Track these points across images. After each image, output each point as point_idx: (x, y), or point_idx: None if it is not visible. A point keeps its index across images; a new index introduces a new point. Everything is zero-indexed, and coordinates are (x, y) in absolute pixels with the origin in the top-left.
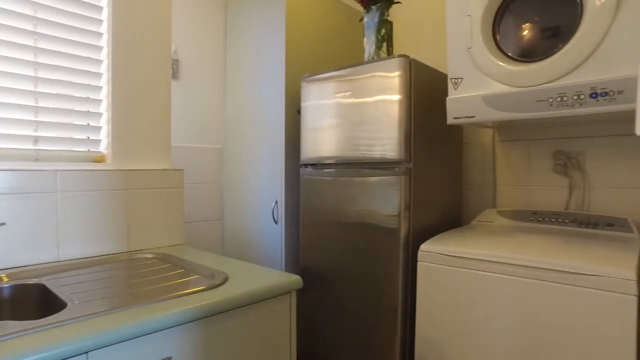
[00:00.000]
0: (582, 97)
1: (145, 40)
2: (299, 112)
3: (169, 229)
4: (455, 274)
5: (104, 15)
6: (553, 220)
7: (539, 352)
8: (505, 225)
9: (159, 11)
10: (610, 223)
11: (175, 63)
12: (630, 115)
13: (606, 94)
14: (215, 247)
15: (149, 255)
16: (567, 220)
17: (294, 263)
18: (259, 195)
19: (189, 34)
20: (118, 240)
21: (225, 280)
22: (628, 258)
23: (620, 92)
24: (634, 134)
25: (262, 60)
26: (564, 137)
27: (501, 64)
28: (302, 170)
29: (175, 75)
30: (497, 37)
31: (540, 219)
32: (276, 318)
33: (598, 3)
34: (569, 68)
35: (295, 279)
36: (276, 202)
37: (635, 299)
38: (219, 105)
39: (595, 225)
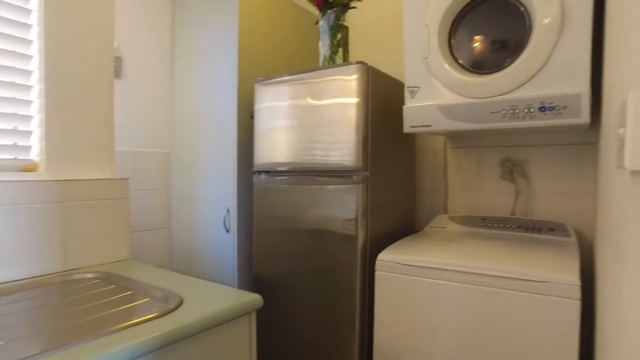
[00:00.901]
0: (532, 110)
1: (83, 34)
2: (251, 116)
3: (112, 244)
4: (410, 282)
5: (33, 4)
6: (501, 225)
7: (490, 358)
8: (457, 231)
9: (99, 3)
10: (551, 228)
11: (117, 60)
12: (571, 128)
13: (553, 108)
14: (163, 258)
15: (90, 275)
16: (513, 226)
17: (247, 273)
18: (210, 203)
19: (133, 29)
20: (53, 258)
21: (180, 303)
22: (571, 263)
23: (564, 108)
24: (571, 144)
25: (213, 60)
26: (510, 145)
27: (457, 74)
28: (256, 177)
29: (118, 73)
30: (453, 48)
31: (490, 224)
32: (236, 341)
33: (545, 21)
34: (520, 82)
35: (254, 299)
36: (228, 210)
37: (579, 303)
38: (165, 106)
39: (538, 230)
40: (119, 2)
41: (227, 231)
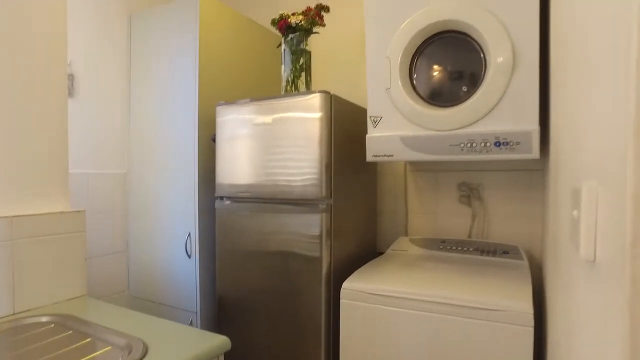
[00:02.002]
0: (488, 144)
1: (32, 50)
2: (213, 139)
3: (67, 280)
4: (375, 310)
5: None
6: (459, 248)
7: None
8: (417, 254)
9: (51, 18)
10: (505, 251)
11: (70, 78)
12: (522, 161)
13: (507, 143)
14: (119, 283)
15: (44, 319)
16: (470, 249)
17: (210, 298)
18: (171, 227)
19: (86, 46)
20: (0, 302)
21: (145, 352)
22: (524, 290)
23: (517, 143)
24: (521, 169)
25: (173, 80)
26: (466, 170)
27: (418, 106)
28: (218, 203)
29: (70, 92)
30: (414, 80)
31: (448, 247)
32: None
33: (498, 60)
34: (477, 117)
35: (222, 342)
36: (189, 234)
37: (532, 330)
38: (121, 125)
39: (493, 253)
40: (72, 18)
41: (189, 256)
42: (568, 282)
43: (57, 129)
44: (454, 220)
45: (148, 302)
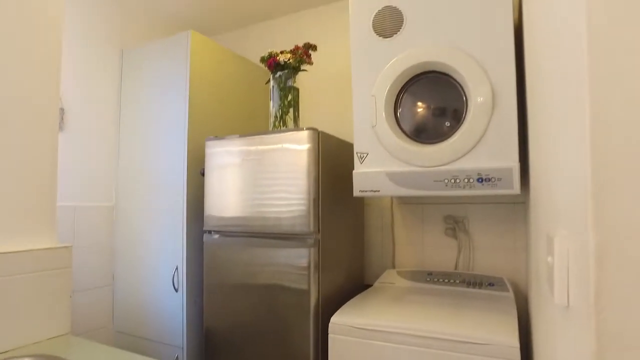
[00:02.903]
0: (471, 180)
1: (24, 84)
2: (202, 173)
3: (50, 319)
4: (363, 345)
5: None
6: (445, 280)
7: None
8: (405, 287)
9: (45, 53)
10: (491, 282)
11: (61, 112)
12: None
13: (489, 179)
14: (104, 318)
15: None
16: (457, 281)
17: (197, 332)
18: (158, 260)
19: (77, 79)
20: None
21: None
22: (510, 323)
23: (499, 179)
24: (504, 202)
25: (163, 114)
26: (452, 203)
27: (403, 143)
28: (207, 237)
29: (60, 125)
30: (399, 118)
31: (435, 279)
32: None
33: (479, 100)
34: (460, 154)
35: None
36: (177, 268)
37: None
38: (110, 158)
39: (480, 285)
40: (64, 52)
41: (176, 290)
42: (548, 322)
43: (46, 165)
44: (441, 252)
45: (133, 337)
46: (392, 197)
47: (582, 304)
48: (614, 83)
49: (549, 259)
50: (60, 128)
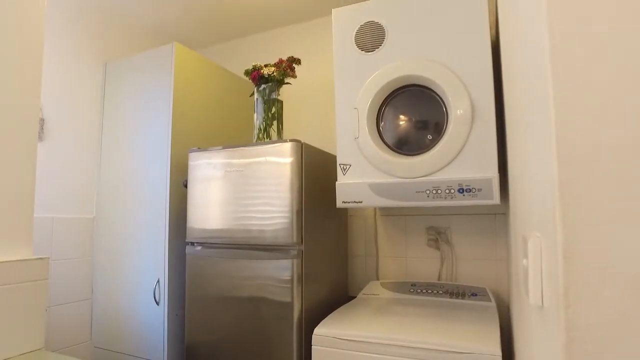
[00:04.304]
0: (452, 191)
1: (3, 93)
2: (185, 185)
3: (22, 333)
4: (346, 356)
5: None
6: (429, 291)
7: None
8: (388, 298)
9: (25, 62)
10: (473, 293)
11: (40, 122)
12: (486, 205)
13: (470, 190)
14: (82, 333)
15: None
16: (440, 292)
17: (178, 346)
18: (139, 273)
19: (59, 90)
20: None
21: None
22: (492, 332)
23: (479, 190)
24: (485, 213)
25: (145, 125)
26: (434, 214)
27: (385, 155)
28: (189, 249)
29: (40, 136)
30: (381, 130)
31: (419, 290)
32: None
33: (459, 112)
34: (441, 165)
35: None
36: (158, 281)
37: None
38: (91, 170)
39: (462, 296)
40: (46, 62)
41: (157, 303)
42: (527, 325)
43: (24, 174)
44: (424, 263)
45: (112, 352)
46: (375, 209)
47: (553, 301)
48: (575, 95)
49: (524, 261)
50: (41, 138)
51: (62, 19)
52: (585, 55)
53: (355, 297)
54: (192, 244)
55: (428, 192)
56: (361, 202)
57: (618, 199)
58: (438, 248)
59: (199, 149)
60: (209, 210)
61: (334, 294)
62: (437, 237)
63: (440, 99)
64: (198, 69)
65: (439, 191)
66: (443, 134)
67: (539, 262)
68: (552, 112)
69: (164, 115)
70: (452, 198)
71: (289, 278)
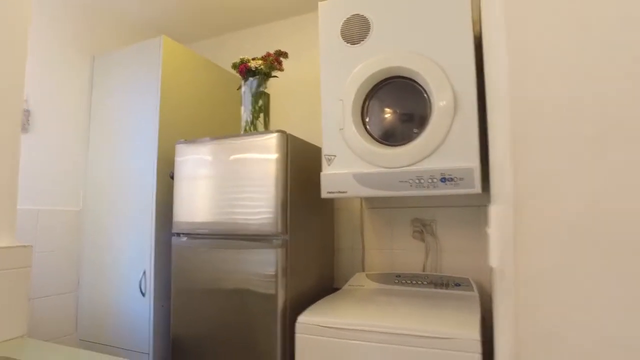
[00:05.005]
0: (434, 180)
1: None
2: (171, 176)
3: (5, 319)
4: (329, 344)
5: None
6: (414, 282)
7: None
8: (373, 289)
9: (8, 53)
10: (457, 283)
11: (26, 113)
12: (470, 197)
13: (452, 179)
14: (67, 325)
15: None
16: (424, 282)
17: (164, 337)
18: (125, 265)
19: (45, 83)
20: None
21: None
22: (472, 319)
23: (461, 179)
24: (469, 205)
25: (133, 118)
26: (419, 206)
27: (369, 146)
28: (175, 239)
29: (25, 127)
30: (366, 121)
31: (403, 281)
32: None
33: (441, 104)
34: (424, 155)
35: None
36: (144, 272)
37: (479, 356)
38: (78, 162)
39: (446, 286)
40: (32, 54)
41: (143, 294)
42: (497, 299)
43: (6, 164)
44: (409, 255)
45: (97, 344)
46: (361, 202)
47: (508, 263)
48: (526, 89)
49: (487, 229)
50: (25, 130)
51: (49, 13)
52: (537, 55)
53: (340, 288)
54: (178, 234)
55: (411, 181)
56: (346, 192)
57: (561, 160)
58: (423, 240)
59: (186, 141)
60: (195, 201)
61: (319, 286)
62: (422, 229)
63: (424, 90)
64: (186, 63)
65: (422, 181)
66: (426, 124)
67: (498, 228)
68: (508, 104)
69: (152, 108)
70: (434, 187)
71: (273, 268)
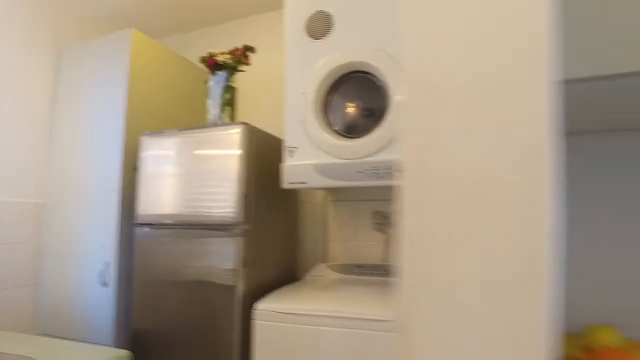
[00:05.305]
0: (389, 171)
1: None
2: (135, 169)
3: None
4: (287, 330)
5: None
6: (372, 272)
7: None
8: (334, 279)
9: None
10: None
11: None
12: None
13: None
14: (25, 321)
15: None
16: (383, 272)
17: (126, 332)
18: (88, 257)
19: (8, 74)
20: None
21: None
22: None
23: None
24: None
25: (100, 111)
26: (381, 200)
27: (330, 138)
28: (139, 231)
29: None
30: (328, 114)
31: (363, 271)
32: None
33: (397, 99)
34: (380, 147)
35: (123, 356)
36: (107, 264)
37: None
38: (41, 154)
39: None
40: None
41: (106, 286)
42: None
43: None
44: (371, 246)
45: (57, 339)
46: (326, 195)
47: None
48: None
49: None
50: None
51: (10, 4)
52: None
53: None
54: (141, 225)
55: (368, 172)
56: (306, 183)
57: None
58: (384, 232)
59: (151, 133)
60: (159, 192)
61: (282, 277)
62: (383, 222)
63: (383, 85)
64: (155, 56)
65: (379, 171)
66: (384, 118)
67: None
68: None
69: (119, 99)
70: (390, 178)
71: (235, 257)
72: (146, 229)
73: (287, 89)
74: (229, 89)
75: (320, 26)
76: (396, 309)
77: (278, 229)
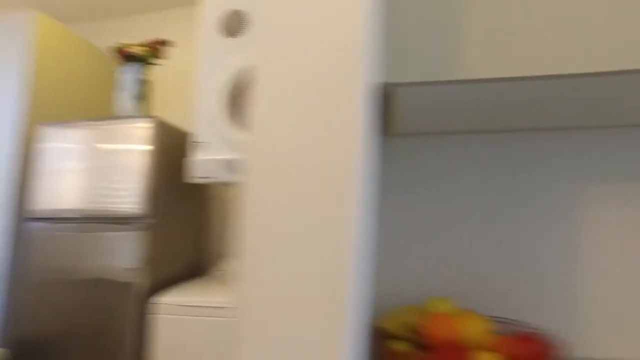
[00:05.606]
0: None
1: None
2: (32, 160)
3: None
4: (187, 322)
5: None
6: None
7: None
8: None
9: None
10: None
11: None
12: None
13: None
14: None
15: None
16: None
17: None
18: None
19: None
20: None
21: None
22: None
23: None
24: None
25: None
26: None
27: (237, 134)
28: (34, 225)
29: None
30: (235, 111)
31: None
32: None
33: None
34: None
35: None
36: None
37: None
38: None
39: None
40: None
41: None
42: None
43: None
44: None
45: None
46: (234, 191)
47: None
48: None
49: None
50: None
51: None
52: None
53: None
54: (38, 220)
55: None
56: (212, 177)
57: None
58: None
59: (51, 122)
60: (59, 184)
61: (189, 271)
62: None
63: None
64: (62, 42)
65: None
66: None
67: None
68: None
69: (14, 85)
70: None
71: (137, 250)
72: (42, 224)
73: (199, 85)
74: (141, 82)
75: (234, 24)
76: (235, 297)
77: (186, 223)
